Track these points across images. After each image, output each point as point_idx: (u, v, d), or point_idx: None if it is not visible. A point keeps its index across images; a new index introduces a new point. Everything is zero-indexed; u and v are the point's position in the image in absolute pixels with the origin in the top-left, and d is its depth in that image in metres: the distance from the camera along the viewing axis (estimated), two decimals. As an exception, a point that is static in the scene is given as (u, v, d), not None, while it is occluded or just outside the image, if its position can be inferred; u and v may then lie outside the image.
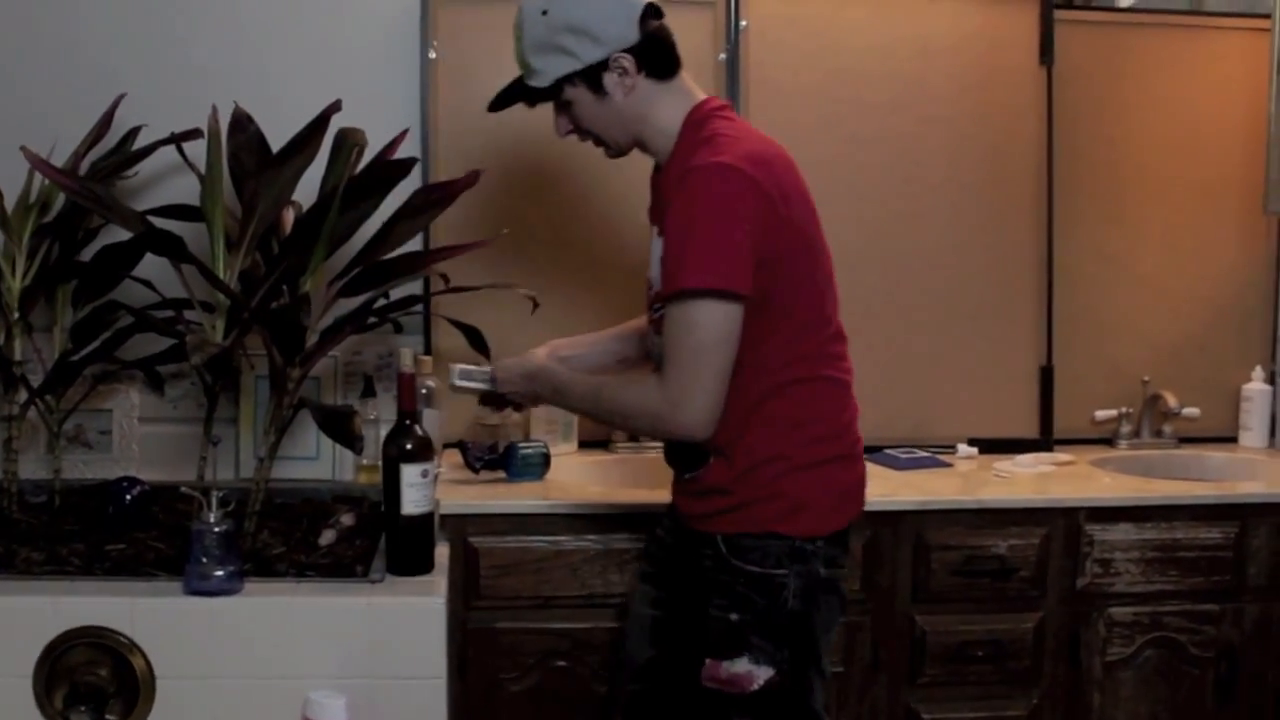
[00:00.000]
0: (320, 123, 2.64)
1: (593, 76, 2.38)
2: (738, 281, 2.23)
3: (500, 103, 2.53)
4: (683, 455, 2.47)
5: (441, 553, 2.66)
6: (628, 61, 2.37)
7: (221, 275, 2.60)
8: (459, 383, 2.72)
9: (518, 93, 2.49)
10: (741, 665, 2.34)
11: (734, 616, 2.35)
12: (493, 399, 2.74)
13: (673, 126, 2.41)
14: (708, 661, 2.38)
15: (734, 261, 2.22)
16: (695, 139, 2.36)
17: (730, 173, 2.24)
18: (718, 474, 2.40)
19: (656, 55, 2.41)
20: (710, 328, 2.24)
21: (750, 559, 2.35)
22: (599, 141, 2.50)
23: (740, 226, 2.23)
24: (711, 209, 2.23)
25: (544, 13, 2.37)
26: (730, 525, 2.38)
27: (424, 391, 3.20)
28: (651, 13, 2.40)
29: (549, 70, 2.39)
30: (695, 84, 2.47)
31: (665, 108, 2.41)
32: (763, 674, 2.33)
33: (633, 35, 2.37)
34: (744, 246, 2.23)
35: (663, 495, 3.01)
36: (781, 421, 2.36)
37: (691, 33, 3.42)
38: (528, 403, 2.72)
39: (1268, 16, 3.59)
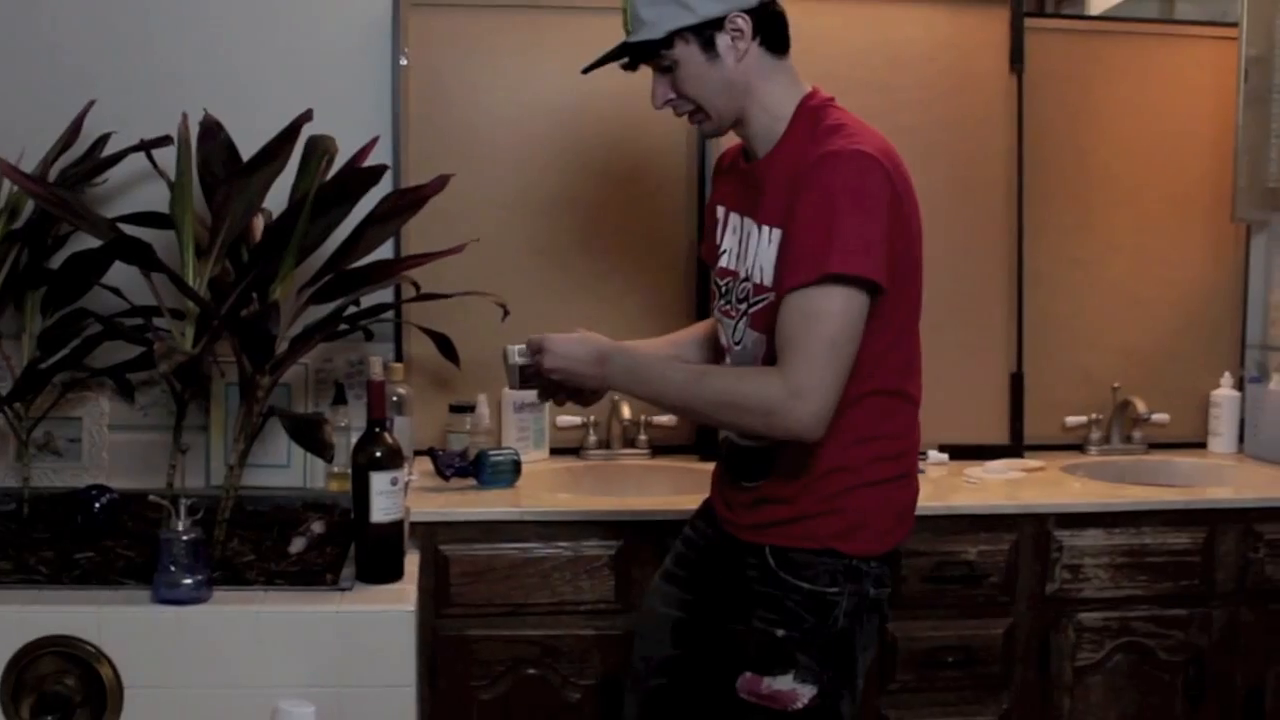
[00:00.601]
0: (291, 131, 2.63)
1: (706, 34, 2.26)
2: (879, 272, 2.14)
3: (598, 64, 2.40)
4: (747, 462, 2.38)
5: (412, 560, 2.65)
6: (744, 22, 2.26)
7: (191, 283, 2.60)
8: (520, 360, 2.45)
9: (618, 53, 2.37)
10: (785, 683, 2.25)
11: (780, 632, 2.27)
12: (549, 389, 2.46)
13: (783, 109, 2.32)
14: (748, 675, 2.29)
15: (875, 251, 2.13)
16: (816, 126, 2.27)
17: (871, 162, 2.16)
18: (780, 483, 2.32)
19: (773, 25, 2.32)
20: (845, 318, 2.13)
21: (803, 575, 2.27)
22: (697, 114, 2.36)
23: (880, 218, 2.15)
24: (856, 195, 2.14)
25: None
26: (784, 538, 2.30)
27: (395, 399, 3.19)
28: None
29: (661, 22, 2.26)
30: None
31: (776, 86, 2.32)
32: (806, 693, 2.25)
33: None
34: (883, 239, 2.15)
35: (633, 502, 3.02)
36: (853, 433, 2.27)
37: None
38: (588, 389, 2.42)
39: (1236, 25, 3.61)
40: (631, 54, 2.35)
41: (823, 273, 2.12)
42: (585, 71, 2.42)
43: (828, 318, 2.13)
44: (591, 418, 3.47)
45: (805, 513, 2.29)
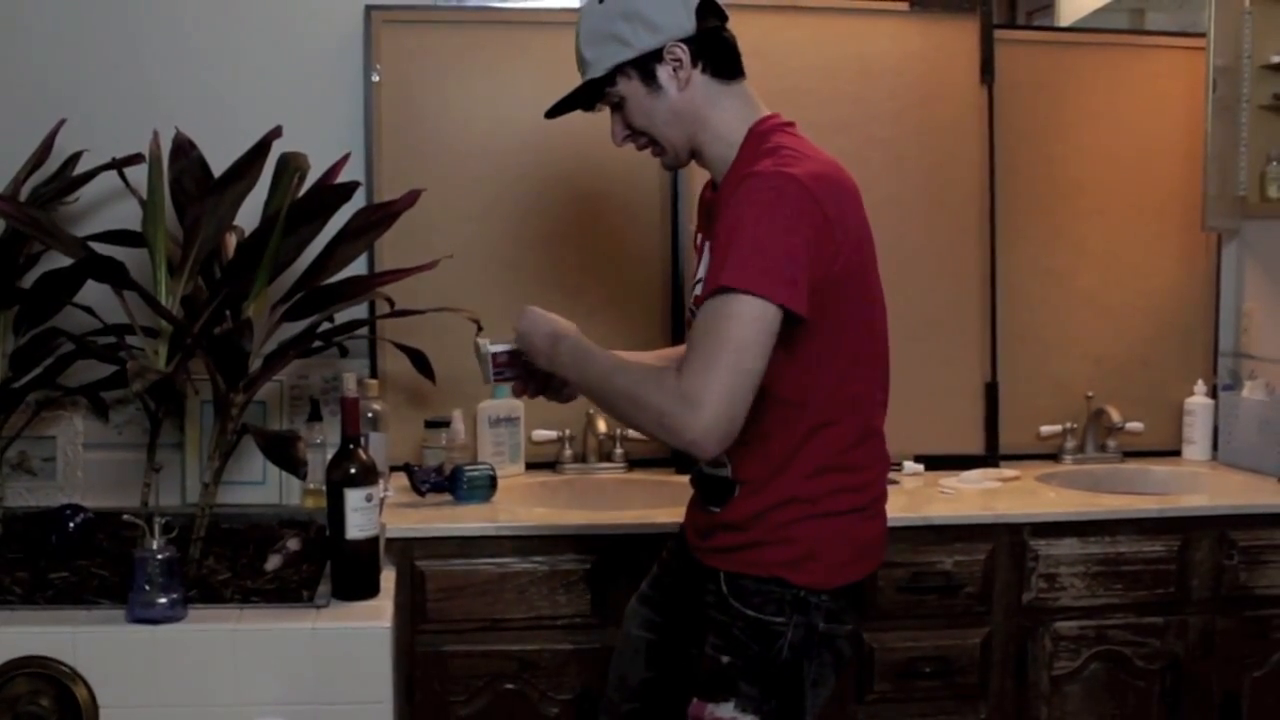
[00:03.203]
0: (262, 148, 2.63)
1: (646, 67, 2.27)
2: (782, 291, 2.06)
3: (559, 109, 2.42)
4: (712, 488, 2.35)
5: (388, 576, 2.65)
6: (682, 52, 2.26)
7: (164, 301, 2.60)
8: (491, 349, 2.46)
9: (577, 96, 2.39)
10: (727, 710, 2.22)
11: (725, 659, 2.24)
12: (524, 376, 2.46)
13: (735, 135, 2.29)
14: (694, 701, 2.26)
15: (781, 269, 2.07)
16: (759, 150, 2.24)
17: (790, 184, 2.11)
18: (738, 509, 2.28)
19: (716, 51, 2.30)
20: (744, 325, 2.05)
21: (750, 603, 2.23)
22: (654, 147, 2.37)
23: (793, 238, 2.09)
24: (765, 213, 2.10)
25: (600, 1, 2.29)
26: (734, 564, 2.27)
27: (370, 415, 3.19)
28: (711, 10, 2.30)
29: (602, 59, 2.28)
30: (760, 99, 2.36)
31: (726, 112, 2.30)
32: None
33: (689, 25, 2.26)
34: (797, 259, 2.08)
35: (609, 516, 3.02)
36: (811, 464, 2.23)
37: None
38: (539, 368, 2.40)
39: (1204, 35, 3.63)
40: (583, 98, 2.37)
41: (718, 285, 2.08)
42: (548, 116, 2.44)
43: (726, 321, 2.06)
44: (568, 431, 3.47)
45: (756, 540, 2.25)
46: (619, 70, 2.29)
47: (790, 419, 2.23)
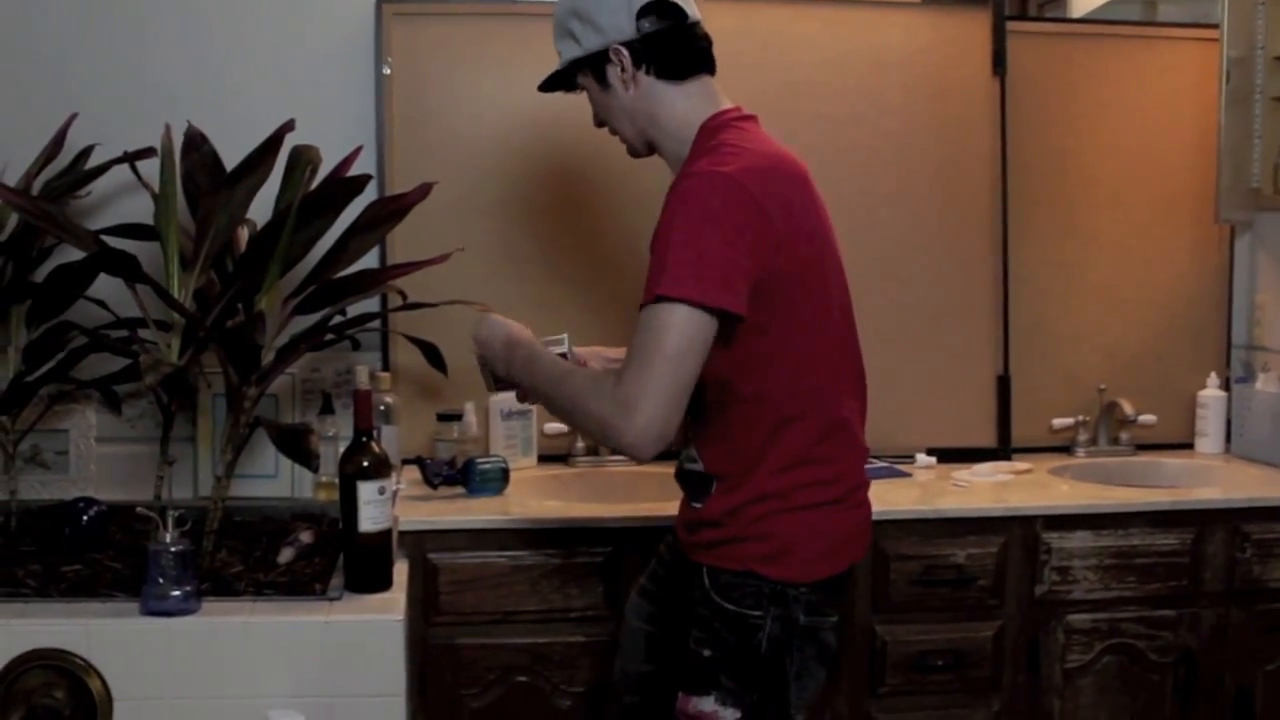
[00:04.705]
0: (274, 141, 2.63)
1: (597, 66, 2.33)
2: (714, 295, 2.09)
3: (549, 85, 2.47)
4: (691, 484, 2.39)
5: (400, 569, 2.65)
6: (624, 56, 2.30)
7: (176, 294, 2.60)
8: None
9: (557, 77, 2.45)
10: (708, 704, 2.26)
11: (707, 652, 2.27)
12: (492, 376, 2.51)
13: (685, 131, 2.32)
14: (680, 694, 2.31)
15: (714, 272, 2.09)
16: (703, 147, 2.27)
17: (721, 181, 2.14)
18: (715, 505, 2.31)
19: (662, 53, 2.31)
20: (676, 334, 2.08)
21: (729, 596, 2.26)
22: (620, 137, 2.43)
23: (726, 237, 2.11)
24: (695, 217, 2.13)
25: None
26: (715, 559, 2.30)
27: (382, 408, 3.19)
28: (661, 9, 2.30)
29: (564, 54, 2.37)
30: (722, 92, 2.38)
31: (678, 111, 2.33)
32: (729, 716, 2.25)
33: (629, 29, 2.29)
34: (730, 260, 2.11)
35: (621, 509, 3.02)
36: (780, 460, 2.26)
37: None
38: (502, 372, 2.46)
39: (1217, 27, 3.62)
40: (560, 81, 2.44)
41: (654, 295, 2.11)
42: (541, 90, 2.50)
43: (659, 331, 2.09)
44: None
45: (733, 536, 2.28)
46: (575, 66, 2.36)
47: (753, 416, 2.26)
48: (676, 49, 2.32)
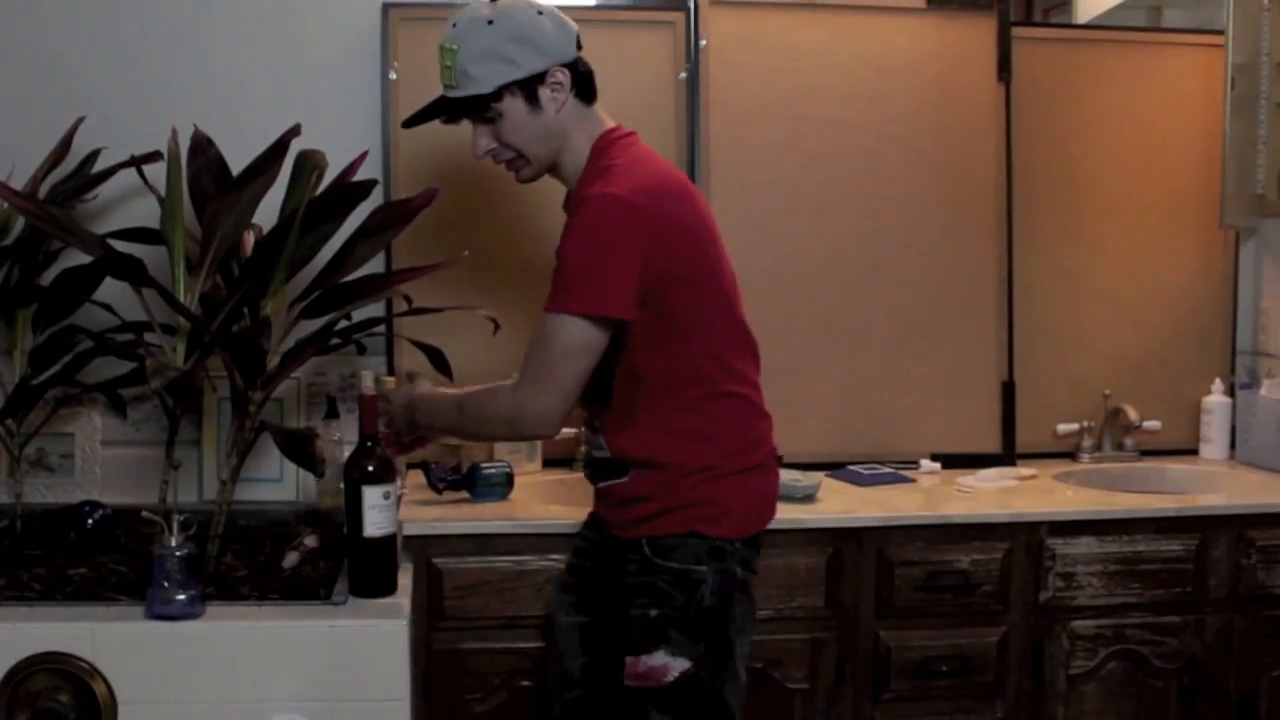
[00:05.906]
0: (280, 146, 2.63)
1: (530, 88, 2.45)
2: (602, 306, 2.35)
3: (417, 119, 2.61)
4: (604, 468, 2.55)
5: (405, 574, 2.66)
6: (564, 76, 2.46)
7: (182, 298, 2.60)
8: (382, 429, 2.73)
9: (437, 108, 2.56)
10: (659, 658, 2.40)
11: (654, 613, 2.42)
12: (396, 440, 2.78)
13: (583, 152, 2.51)
14: (628, 660, 2.44)
15: (604, 285, 2.34)
16: (595, 168, 2.47)
17: (614, 203, 2.35)
18: (639, 484, 2.48)
19: (587, 77, 2.52)
20: (568, 338, 2.36)
21: (672, 556, 2.43)
22: (516, 161, 2.55)
23: (617, 255, 2.34)
24: (589, 235, 2.36)
25: (490, 22, 2.44)
26: (655, 528, 2.46)
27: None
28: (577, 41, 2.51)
29: (489, 78, 2.44)
30: (605, 114, 2.56)
31: (582, 130, 2.51)
32: (678, 665, 2.40)
33: (571, 52, 2.47)
34: (621, 273, 2.34)
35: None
36: (699, 436, 2.46)
37: (651, 52, 3.45)
38: (415, 433, 2.77)
39: (1222, 33, 3.62)
40: (457, 108, 2.54)
41: (546, 309, 2.39)
42: (405, 125, 2.67)
43: (551, 339, 2.38)
44: (584, 429, 3.47)
45: (670, 505, 2.45)
46: (505, 89, 2.46)
47: (658, 401, 2.46)
48: (590, 74, 2.54)
